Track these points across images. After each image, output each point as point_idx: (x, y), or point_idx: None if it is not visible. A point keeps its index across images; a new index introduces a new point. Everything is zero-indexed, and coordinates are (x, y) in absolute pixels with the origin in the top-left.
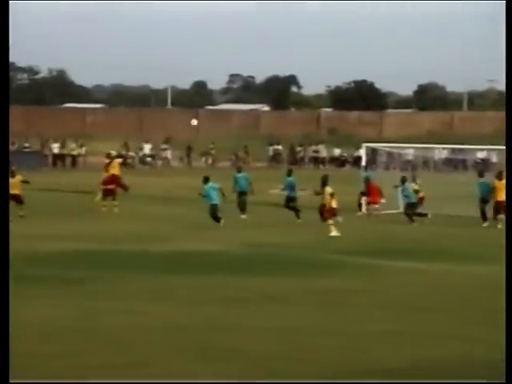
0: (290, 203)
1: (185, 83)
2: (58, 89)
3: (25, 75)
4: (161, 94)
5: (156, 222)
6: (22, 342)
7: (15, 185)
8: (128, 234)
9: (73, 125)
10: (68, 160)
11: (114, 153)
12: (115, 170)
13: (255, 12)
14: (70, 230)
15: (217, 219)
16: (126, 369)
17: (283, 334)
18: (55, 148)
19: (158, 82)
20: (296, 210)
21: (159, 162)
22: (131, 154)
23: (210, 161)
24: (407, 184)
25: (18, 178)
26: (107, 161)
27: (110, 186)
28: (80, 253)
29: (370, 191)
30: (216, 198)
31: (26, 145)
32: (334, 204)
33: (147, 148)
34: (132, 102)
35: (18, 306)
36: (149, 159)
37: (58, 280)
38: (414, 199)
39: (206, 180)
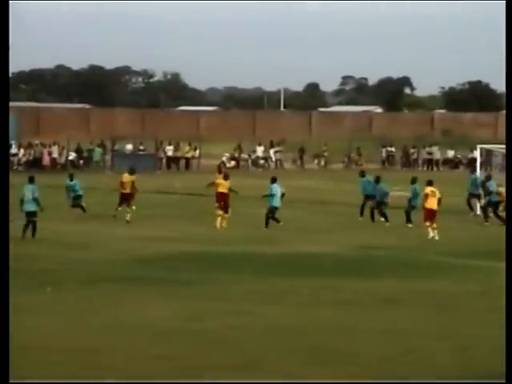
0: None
1: (298, 85)
2: (172, 92)
3: (140, 79)
4: (274, 96)
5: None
6: (132, 344)
7: (127, 184)
8: (238, 236)
9: (187, 127)
10: (182, 162)
11: (226, 160)
12: (223, 187)
13: (369, 13)
14: (181, 231)
15: (275, 220)
16: (234, 371)
17: (394, 336)
18: (169, 151)
19: (271, 85)
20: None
21: (272, 165)
22: (244, 156)
23: (322, 163)
24: (493, 181)
25: (131, 177)
26: (217, 176)
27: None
28: (189, 255)
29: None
30: (278, 201)
31: (141, 147)
32: (430, 205)
33: (260, 150)
34: (245, 104)
35: (127, 308)
36: (262, 161)
37: (167, 282)
38: (495, 198)
39: (274, 181)
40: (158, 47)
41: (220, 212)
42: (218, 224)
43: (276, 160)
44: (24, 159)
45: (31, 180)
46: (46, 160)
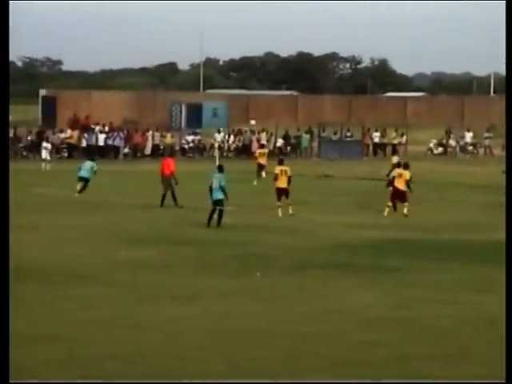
0: None
1: None
2: (379, 78)
3: (347, 65)
4: (483, 81)
5: (476, 212)
6: (338, 330)
7: (283, 180)
8: (448, 224)
9: (393, 113)
10: (388, 149)
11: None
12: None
13: None
14: (390, 219)
15: None
16: (445, 359)
17: None
18: (376, 137)
19: (480, 69)
20: None
21: (481, 151)
22: (452, 142)
23: None
24: None
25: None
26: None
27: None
28: (395, 241)
29: None
30: None
31: (348, 134)
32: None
33: (468, 136)
34: (453, 89)
35: (332, 294)
36: (470, 148)
37: (372, 268)
38: None
39: None
40: (364, 34)
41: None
42: (405, 211)
43: (485, 146)
44: (234, 146)
45: (220, 169)
46: (255, 146)
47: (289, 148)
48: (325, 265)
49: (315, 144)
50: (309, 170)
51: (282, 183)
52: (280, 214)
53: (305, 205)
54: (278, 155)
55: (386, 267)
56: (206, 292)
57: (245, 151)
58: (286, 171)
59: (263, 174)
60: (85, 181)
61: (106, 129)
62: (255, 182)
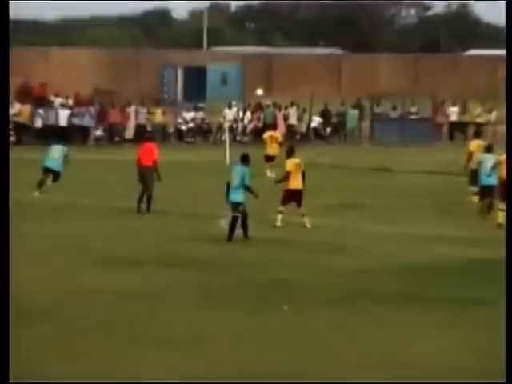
0: None
1: None
2: (458, 30)
3: (412, 11)
4: None
5: None
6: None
7: (297, 179)
8: None
9: (479, 80)
10: (471, 130)
11: None
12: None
13: None
14: (467, 229)
15: None
16: None
17: None
18: (453, 113)
19: None
20: None
21: None
22: None
23: None
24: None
25: (296, 160)
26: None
27: None
28: (487, 263)
29: None
30: None
31: (413, 109)
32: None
33: None
34: None
35: (394, 339)
36: None
37: (452, 302)
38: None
39: None
40: None
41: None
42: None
43: None
44: (251, 126)
45: (244, 160)
46: (281, 127)
47: (329, 129)
48: (380, 295)
49: (366, 123)
50: (357, 160)
51: (297, 183)
52: (279, 223)
53: (352, 210)
54: (313, 141)
55: (469, 300)
56: (212, 334)
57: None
58: (299, 165)
59: (268, 172)
60: (53, 174)
61: (70, 102)
62: (269, 173)
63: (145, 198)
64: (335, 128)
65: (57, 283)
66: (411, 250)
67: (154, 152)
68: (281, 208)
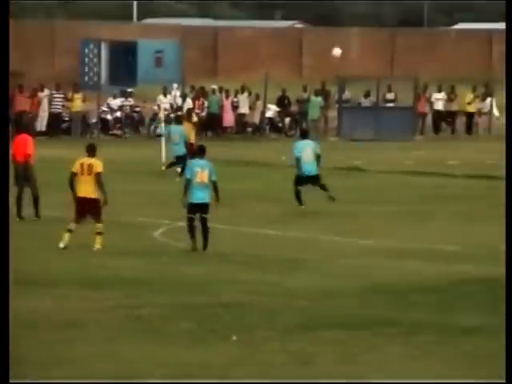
0: None
1: None
2: None
3: None
4: None
5: None
6: None
7: (86, 185)
8: None
9: (469, 60)
10: (460, 121)
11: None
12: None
13: None
14: (461, 241)
15: None
16: None
17: None
18: (439, 100)
19: None
20: None
21: None
22: None
23: None
24: None
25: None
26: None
27: None
28: (477, 283)
29: None
30: None
31: (389, 96)
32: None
33: None
34: None
35: (361, 372)
36: None
37: (436, 329)
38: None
39: None
40: None
41: None
42: None
43: None
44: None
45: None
46: (229, 118)
47: (287, 120)
48: (349, 322)
49: (333, 113)
50: (327, 160)
51: (85, 191)
52: (62, 245)
53: (315, 218)
54: (268, 134)
55: (455, 327)
56: (142, 373)
57: (211, 126)
58: (91, 166)
59: (178, 169)
60: None
61: None
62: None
63: (30, 201)
64: (295, 119)
65: None
66: (384, 267)
67: (29, 144)
68: (71, 226)
